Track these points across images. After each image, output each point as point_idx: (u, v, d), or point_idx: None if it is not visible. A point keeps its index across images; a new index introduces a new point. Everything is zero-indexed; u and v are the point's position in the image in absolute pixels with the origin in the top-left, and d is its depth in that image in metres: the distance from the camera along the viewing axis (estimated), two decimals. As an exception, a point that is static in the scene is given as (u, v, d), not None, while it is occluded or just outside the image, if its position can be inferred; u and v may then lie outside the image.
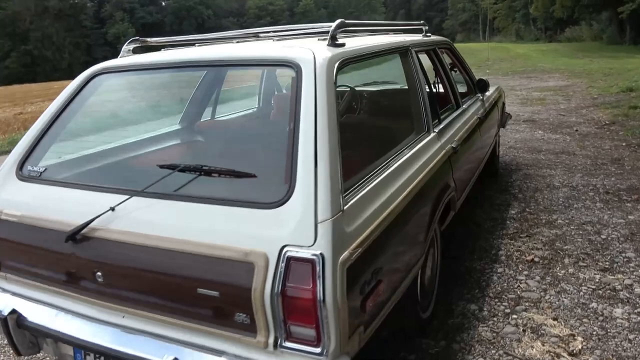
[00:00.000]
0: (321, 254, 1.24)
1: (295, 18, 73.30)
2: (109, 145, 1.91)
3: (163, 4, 71.99)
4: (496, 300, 2.48)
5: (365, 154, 1.73)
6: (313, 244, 1.26)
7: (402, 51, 2.32)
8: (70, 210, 1.60)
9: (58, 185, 1.72)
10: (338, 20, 1.81)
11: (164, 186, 1.52)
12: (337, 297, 1.23)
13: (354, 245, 1.33)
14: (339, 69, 1.62)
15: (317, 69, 1.55)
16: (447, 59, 3.37)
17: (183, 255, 1.37)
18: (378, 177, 1.60)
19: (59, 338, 1.58)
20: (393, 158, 1.80)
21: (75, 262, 1.59)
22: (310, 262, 1.24)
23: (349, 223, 1.35)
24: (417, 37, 2.74)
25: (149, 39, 2.29)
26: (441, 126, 2.38)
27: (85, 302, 1.61)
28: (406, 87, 2.28)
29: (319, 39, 1.88)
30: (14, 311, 1.66)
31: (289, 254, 1.26)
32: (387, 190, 1.59)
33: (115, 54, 2.42)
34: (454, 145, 2.36)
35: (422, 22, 2.93)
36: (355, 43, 1.91)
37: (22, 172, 1.82)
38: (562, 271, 2.71)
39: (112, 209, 1.53)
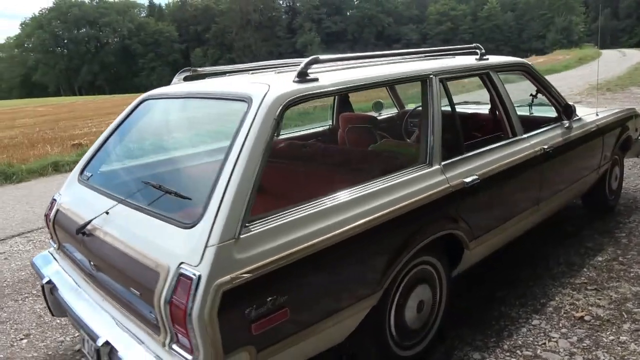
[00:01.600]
0: (199, 274, 1.41)
1: (478, 22, 70.09)
2: (133, 162, 2.31)
3: (347, 13, 75.70)
4: (508, 354, 2.24)
5: (308, 188, 1.80)
6: (198, 265, 1.43)
7: (421, 79, 2.27)
8: (89, 209, 2.03)
9: (92, 189, 2.18)
10: (310, 57, 1.91)
11: (137, 197, 1.84)
12: (204, 314, 1.38)
13: (240, 271, 1.45)
14: (287, 106, 1.73)
15: (261, 106, 1.69)
16: (526, 83, 3.09)
17: (125, 256, 1.67)
18: (305, 212, 1.66)
19: (66, 309, 2.03)
20: (343, 192, 1.82)
21: (82, 250, 2.02)
22: (190, 279, 1.42)
23: (241, 251, 1.48)
24: (462, 61, 2.60)
25: (199, 69, 2.66)
26: (456, 158, 2.25)
27: (87, 284, 2.03)
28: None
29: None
30: (49, 281, 2.18)
31: (181, 270, 1.46)
32: (311, 226, 1.63)
33: None
34: (468, 180, 2.21)
35: (475, 45, 2.76)
36: (336, 77, 1.97)
37: (81, 177, 2.34)
38: (611, 337, 2.30)
39: (107, 212, 1.91)
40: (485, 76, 2.65)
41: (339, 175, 2.30)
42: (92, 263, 1.96)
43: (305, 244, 1.59)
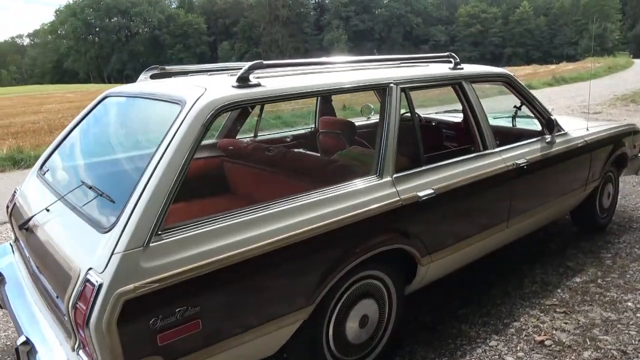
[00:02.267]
0: (101, 282, 1.38)
1: (509, 26, 68.77)
2: (80, 160, 2.30)
3: (376, 12, 75.18)
4: (454, 375, 2.17)
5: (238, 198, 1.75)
6: (103, 272, 1.41)
7: (380, 88, 2.21)
8: (36, 204, 2.04)
9: (44, 184, 2.19)
10: (253, 62, 1.87)
11: (74, 196, 1.83)
12: (101, 323, 1.35)
13: (147, 280, 1.42)
14: (220, 112, 1.69)
15: (191, 110, 1.66)
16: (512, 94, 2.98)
17: (51, 255, 1.67)
18: (228, 222, 1.62)
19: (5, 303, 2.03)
20: (282, 200, 1.77)
21: (25, 245, 2.03)
22: (93, 286, 1.40)
23: (149, 259, 1.45)
24: (432, 70, 2.52)
25: (167, 67, 2.62)
26: (412, 171, 2.18)
27: (29, 281, 2.04)
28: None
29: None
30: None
31: (87, 276, 1.44)
32: (231, 237, 1.59)
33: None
34: (421, 194, 2.13)
35: (448, 53, 2.66)
36: (279, 84, 1.92)
37: (40, 171, 2.35)
38: (567, 366, 2.21)
39: (47, 209, 1.91)
40: (458, 86, 2.56)
41: (288, 182, 2.26)
42: (30, 260, 1.96)
43: (222, 255, 1.55)
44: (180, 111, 1.68)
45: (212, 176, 2.86)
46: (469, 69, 2.70)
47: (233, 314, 1.62)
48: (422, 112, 3.63)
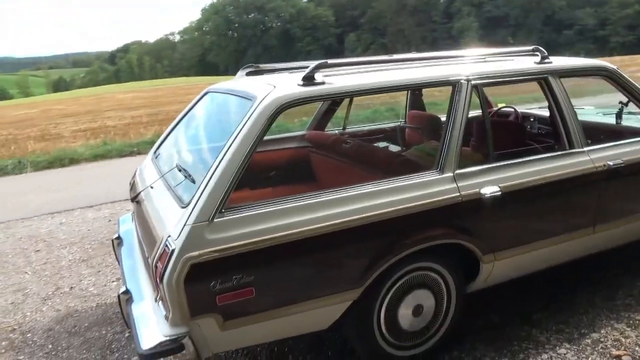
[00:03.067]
0: (174, 247, 1.68)
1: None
2: (181, 147, 2.67)
3: (512, -4, 69.91)
4: (512, 376, 2.14)
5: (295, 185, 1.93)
6: (176, 239, 1.71)
7: (450, 84, 2.23)
8: (145, 182, 2.46)
9: (155, 166, 2.61)
10: (319, 62, 2.04)
11: (171, 177, 2.18)
12: (172, 280, 1.65)
13: (209, 249, 1.69)
14: (284, 108, 1.89)
15: (258, 106, 1.89)
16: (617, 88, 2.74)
17: (147, 223, 2.03)
18: (282, 205, 1.82)
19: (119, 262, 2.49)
20: (342, 189, 1.93)
21: (136, 215, 2.46)
22: (168, 250, 1.70)
23: (213, 232, 1.71)
24: (513, 65, 2.45)
25: (261, 65, 2.90)
26: (476, 168, 2.17)
27: (137, 244, 2.47)
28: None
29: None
30: (118, 237, 2.69)
31: (166, 241, 1.75)
32: (285, 219, 1.78)
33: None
34: (485, 191, 2.13)
35: (534, 47, 2.54)
36: (342, 82, 2.06)
37: (154, 155, 2.80)
38: (641, 384, 2.04)
39: (151, 187, 2.31)
40: (543, 81, 2.45)
41: (357, 173, 2.40)
42: (137, 227, 2.39)
43: (275, 234, 1.76)
44: (251, 107, 1.93)
45: (300, 166, 3.11)
46: (559, 62, 2.56)
47: (284, 286, 1.83)
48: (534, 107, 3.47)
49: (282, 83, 2.05)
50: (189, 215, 1.72)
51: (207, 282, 1.70)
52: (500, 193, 2.16)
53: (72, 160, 7.88)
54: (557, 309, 2.63)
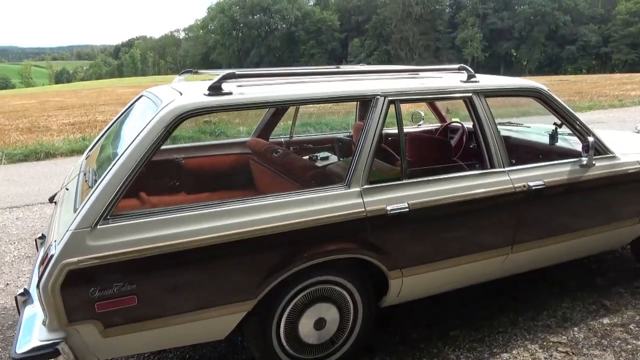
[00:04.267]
0: (53, 253, 1.68)
1: (680, 25, 59.47)
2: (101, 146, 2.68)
3: (518, 9, 70.08)
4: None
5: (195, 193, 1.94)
6: (58, 244, 1.71)
7: (365, 100, 2.24)
8: (67, 183, 2.47)
9: (79, 166, 2.61)
10: (226, 71, 2.04)
11: (86, 178, 2.19)
12: (47, 285, 1.65)
13: (90, 256, 1.69)
14: (185, 117, 1.89)
15: (158, 113, 1.90)
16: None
17: (51, 225, 2.03)
18: (173, 214, 1.83)
19: None
20: (245, 199, 1.94)
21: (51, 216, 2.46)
22: (48, 255, 1.70)
23: (96, 238, 1.71)
24: (434, 82, 2.45)
25: (200, 71, 2.90)
26: (385, 184, 2.18)
27: None
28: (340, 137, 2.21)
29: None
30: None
31: (50, 245, 1.75)
32: (173, 228, 1.79)
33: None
34: (390, 207, 2.13)
35: (460, 65, 2.55)
36: (251, 93, 2.06)
37: (85, 156, 2.80)
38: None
39: (67, 188, 2.31)
40: (467, 100, 2.46)
41: (278, 181, 2.41)
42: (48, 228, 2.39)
43: (158, 244, 1.76)
44: (155, 113, 1.93)
45: (237, 172, 3.12)
46: (487, 81, 2.57)
47: (170, 296, 1.83)
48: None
49: (189, 90, 2.06)
50: (73, 221, 1.73)
51: (85, 289, 1.70)
52: (407, 210, 2.16)
53: (47, 154, 7.89)
54: (477, 327, 2.64)
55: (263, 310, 2.02)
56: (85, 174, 2.14)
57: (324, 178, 2.28)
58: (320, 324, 2.16)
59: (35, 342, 1.70)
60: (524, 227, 2.48)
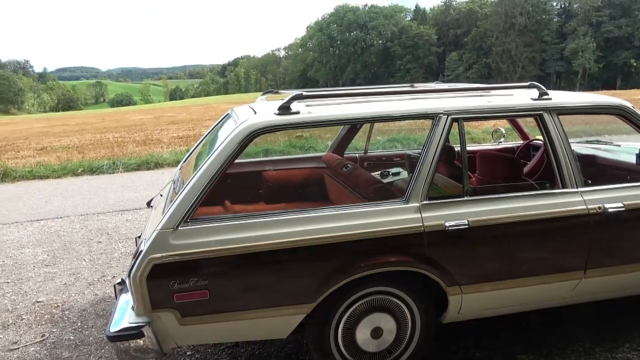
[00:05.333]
0: (142, 248, 1.97)
1: None
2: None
3: (638, 15, 63.89)
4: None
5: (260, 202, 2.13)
6: (147, 241, 2.00)
7: (429, 118, 2.31)
8: (163, 190, 2.83)
9: (174, 176, 2.97)
10: (296, 92, 2.23)
11: (174, 186, 2.51)
12: (136, 276, 1.93)
13: (171, 253, 1.95)
14: (256, 134, 2.11)
15: (234, 130, 2.14)
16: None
17: (147, 228, 2.36)
18: (243, 221, 2.03)
19: None
20: (292, 212, 2.10)
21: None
22: (139, 250, 2.00)
23: (177, 238, 1.96)
24: (502, 100, 2.44)
25: (281, 91, 3.16)
26: (445, 200, 2.22)
27: None
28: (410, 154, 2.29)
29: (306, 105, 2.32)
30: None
31: (142, 243, 2.05)
32: (242, 232, 1.99)
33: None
34: (450, 223, 2.16)
35: (531, 83, 2.50)
36: (317, 112, 2.23)
37: (179, 166, 3.17)
38: None
39: (160, 194, 2.66)
40: (538, 118, 2.42)
41: (345, 195, 2.55)
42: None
43: (229, 246, 1.98)
44: (232, 129, 2.18)
45: (314, 185, 3.32)
46: (561, 98, 2.50)
47: (237, 293, 2.04)
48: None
49: (262, 110, 2.28)
50: (160, 222, 2.01)
51: (166, 281, 1.96)
52: (467, 227, 2.18)
53: (156, 164, 8.77)
54: (548, 353, 2.54)
55: (322, 314, 2.15)
56: (174, 182, 2.45)
57: (386, 192, 2.38)
58: (377, 333, 2.25)
59: (125, 324, 1.99)
60: (599, 252, 2.36)
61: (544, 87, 2.49)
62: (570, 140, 2.44)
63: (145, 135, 16.58)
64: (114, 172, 8.43)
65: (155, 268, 1.94)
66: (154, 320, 1.99)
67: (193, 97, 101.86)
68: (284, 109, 2.21)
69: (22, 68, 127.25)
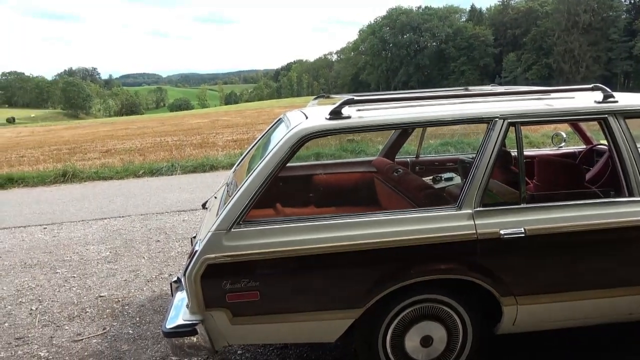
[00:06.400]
0: (198, 248, 2.04)
1: None
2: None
3: None
4: None
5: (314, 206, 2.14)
6: (202, 241, 2.06)
7: (484, 122, 2.25)
8: (218, 191, 2.92)
9: (228, 178, 3.05)
10: (347, 97, 2.24)
11: (228, 188, 2.58)
12: (191, 275, 2.00)
13: (225, 253, 2.00)
14: (307, 139, 2.13)
15: (286, 135, 2.17)
16: None
17: (203, 228, 2.45)
18: (291, 224, 2.06)
19: None
20: (340, 216, 2.10)
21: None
22: (194, 250, 2.07)
23: (230, 240, 2.01)
24: (564, 103, 2.33)
25: (332, 95, 3.17)
26: (501, 207, 2.15)
27: None
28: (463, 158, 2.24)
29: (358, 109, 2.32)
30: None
31: (197, 243, 2.13)
32: (291, 236, 2.01)
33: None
34: (504, 232, 2.09)
35: (594, 85, 2.36)
36: (368, 116, 2.22)
37: (233, 170, 3.27)
38: None
39: (215, 197, 2.75)
40: (603, 122, 2.29)
41: (395, 199, 2.53)
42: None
43: (282, 248, 2.01)
44: (284, 133, 2.22)
45: (365, 189, 3.31)
46: (629, 101, 2.36)
47: (287, 295, 2.06)
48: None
49: (313, 115, 2.30)
50: (214, 224, 2.08)
51: (219, 281, 2.02)
52: (523, 235, 2.10)
53: (212, 167, 9.05)
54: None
55: (370, 320, 2.14)
56: (228, 185, 2.52)
57: (438, 198, 2.34)
58: (427, 341, 2.20)
59: (180, 321, 2.07)
60: None
61: (609, 90, 2.36)
62: (638, 145, 2.30)
63: (202, 138, 17.18)
64: (172, 174, 8.77)
65: (209, 268, 2.00)
66: (207, 319, 2.05)
67: (247, 101, 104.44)
68: (335, 114, 2.22)
69: (90, 75, 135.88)
